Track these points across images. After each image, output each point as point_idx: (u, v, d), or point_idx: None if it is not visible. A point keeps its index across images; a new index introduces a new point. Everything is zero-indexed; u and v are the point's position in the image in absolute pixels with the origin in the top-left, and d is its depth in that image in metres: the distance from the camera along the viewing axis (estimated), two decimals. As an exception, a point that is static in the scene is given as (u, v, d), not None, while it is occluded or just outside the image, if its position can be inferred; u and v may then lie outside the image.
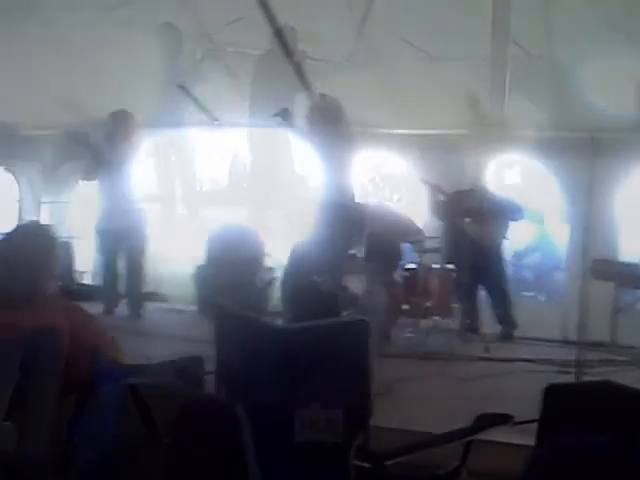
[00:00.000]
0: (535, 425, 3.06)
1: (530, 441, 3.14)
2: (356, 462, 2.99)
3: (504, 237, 9.42)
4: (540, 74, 8.93)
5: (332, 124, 7.85)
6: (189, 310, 10.63)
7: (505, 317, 9.31)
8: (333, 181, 7.97)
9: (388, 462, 2.93)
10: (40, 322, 3.50)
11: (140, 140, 9.91)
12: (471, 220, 9.18)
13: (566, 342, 8.62)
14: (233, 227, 10.59)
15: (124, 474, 2.80)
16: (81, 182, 10.18)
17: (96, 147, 9.37)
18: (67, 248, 10.30)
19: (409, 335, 8.35)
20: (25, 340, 3.44)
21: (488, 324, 9.32)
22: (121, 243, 9.62)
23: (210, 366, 3.61)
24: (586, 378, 5.88)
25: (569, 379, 6.00)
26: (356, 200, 8.69)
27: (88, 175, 9.59)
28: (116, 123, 9.53)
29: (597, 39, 8.28)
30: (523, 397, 5.29)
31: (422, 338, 8.23)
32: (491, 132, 10.14)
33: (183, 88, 10.70)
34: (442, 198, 9.28)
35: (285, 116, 7.80)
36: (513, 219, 9.46)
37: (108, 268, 9.82)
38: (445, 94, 9.71)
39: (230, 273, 9.35)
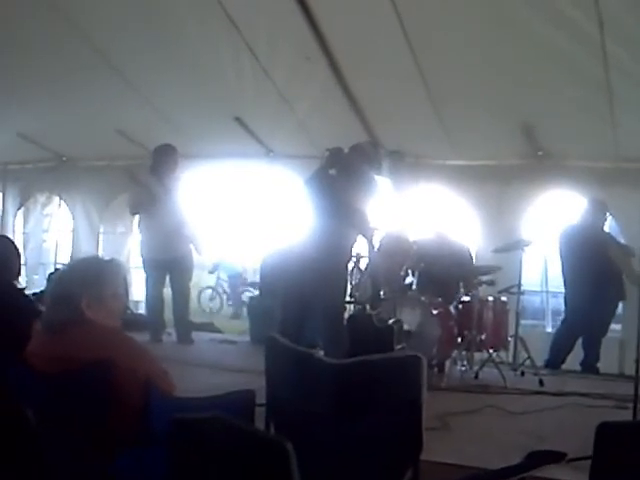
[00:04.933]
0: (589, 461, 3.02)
1: (584, 477, 3.10)
2: (406, 498, 2.97)
3: None
4: (597, 103, 8.86)
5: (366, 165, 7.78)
6: (243, 341, 10.70)
7: None
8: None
9: (438, 499, 2.90)
10: (92, 354, 3.52)
11: (183, 172, 10.11)
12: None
13: (623, 376, 8.53)
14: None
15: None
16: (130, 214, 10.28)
17: (144, 181, 9.55)
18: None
19: (463, 368, 8.30)
20: (77, 372, 3.46)
21: (541, 356, 9.22)
22: (167, 273, 9.84)
23: (262, 398, 3.62)
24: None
25: (627, 415, 5.90)
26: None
27: (136, 208, 9.78)
28: (160, 157, 9.74)
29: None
30: (578, 432, 5.24)
31: (476, 371, 8.20)
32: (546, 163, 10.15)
33: (239, 120, 10.86)
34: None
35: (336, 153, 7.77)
36: None
37: (154, 297, 9.97)
38: (498, 125, 9.70)
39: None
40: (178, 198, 9.75)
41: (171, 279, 9.92)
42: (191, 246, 9.91)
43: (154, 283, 9.91)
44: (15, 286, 5.10)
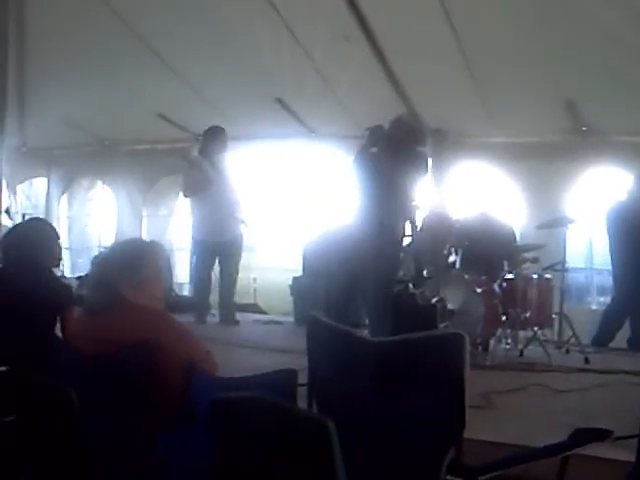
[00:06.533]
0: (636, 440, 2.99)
1: (630, 457, 3.06)
2: (449, 477, 2.95)
3: None
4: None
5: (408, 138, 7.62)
6: (288, 321, 10.72)
7: None
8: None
9: (482, 477, 2.87)
10: (134, 335, 3.54)
11: (233, 154, 10.11)
12: None
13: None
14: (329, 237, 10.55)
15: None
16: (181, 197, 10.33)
17: (198, 162, 9.59)
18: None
19: (507, 346, 8.25)
20: (120, 354, 3.48)
21: (586, 334, 9.14)
22: (218, 255, 9.89)
23: (305, 378, 3.61)
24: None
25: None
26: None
27: (190, 190, 9.79)
28: (209, 139, 9.78)
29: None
30: (624, 410, 5.20)
31: (520, 349, 8.15)
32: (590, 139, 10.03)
33: (280, 101, 10.85)
34: None
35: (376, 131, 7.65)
36: None
37: (202, 278, 10.04)
38: (541, 101, 9.60)
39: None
40: (230, 179, 9.80)
41: (220, 261, 9.97)
42: (242, 227, 9.93)
43: (204, 265, 9.98)
44: (45, 271, 5.04)
